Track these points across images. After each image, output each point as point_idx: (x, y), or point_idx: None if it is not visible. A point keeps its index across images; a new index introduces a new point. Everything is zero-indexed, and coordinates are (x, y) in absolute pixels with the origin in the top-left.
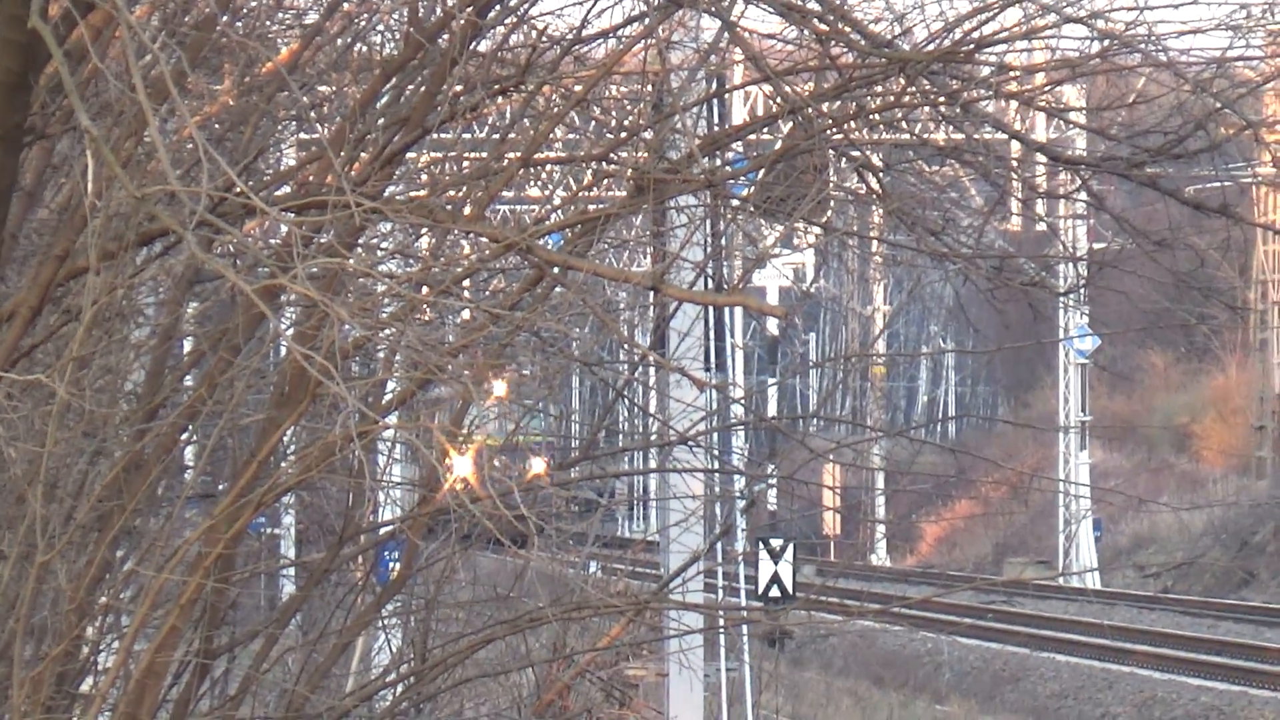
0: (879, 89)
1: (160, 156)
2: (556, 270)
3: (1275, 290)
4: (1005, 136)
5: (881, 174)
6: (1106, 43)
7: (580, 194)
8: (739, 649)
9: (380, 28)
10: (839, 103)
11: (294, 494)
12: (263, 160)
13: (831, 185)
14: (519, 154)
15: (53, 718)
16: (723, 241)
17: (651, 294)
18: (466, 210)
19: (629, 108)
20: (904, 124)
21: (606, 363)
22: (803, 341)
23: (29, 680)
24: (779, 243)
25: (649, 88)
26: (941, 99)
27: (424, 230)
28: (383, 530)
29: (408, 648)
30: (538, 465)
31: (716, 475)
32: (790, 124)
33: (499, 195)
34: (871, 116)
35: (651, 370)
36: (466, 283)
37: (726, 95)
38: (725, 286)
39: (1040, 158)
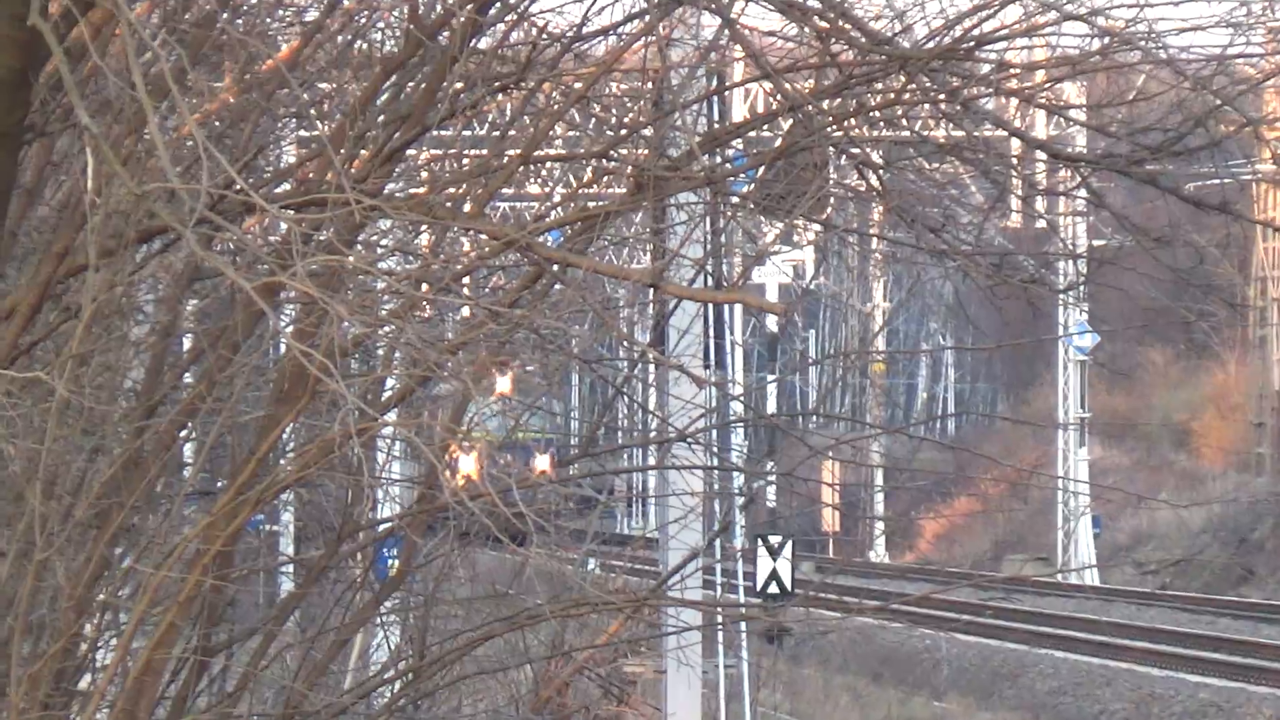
0: (879, 86)
1: (160, 154)
2: (556, 267)
3: (1275, 287)
4: (1005, 134)
5: (881, 171)
6: (1107, 40)
7: (580, 191)
8: (737, 646)
9: (380, 25)
10: (839, 100)
11: (293, 491)
12: (262, 158)
13: (831, 182)
14: (519, 151)
15: (51, 715)
16: (722, 239)
17: (651, 291)
18: (466, 207)
19: (629, 105)
20: (904, 121)
21: (606, 360)
22: (802, 339)
23: (27, 677)
24: (779, 240)
25: (649, 85)
26: (942, 96)
27: (424, 228)
28: (381, 527)
29: (406, 645)
30: (543, 462)
31: (715, 472)
32: (790, 121)
33: (499, 192)
34: (871, 114)
35: (651, 367)
36: (466, 280)
37: (726, 93)
38: (725, 284)
39: (1040, 155)
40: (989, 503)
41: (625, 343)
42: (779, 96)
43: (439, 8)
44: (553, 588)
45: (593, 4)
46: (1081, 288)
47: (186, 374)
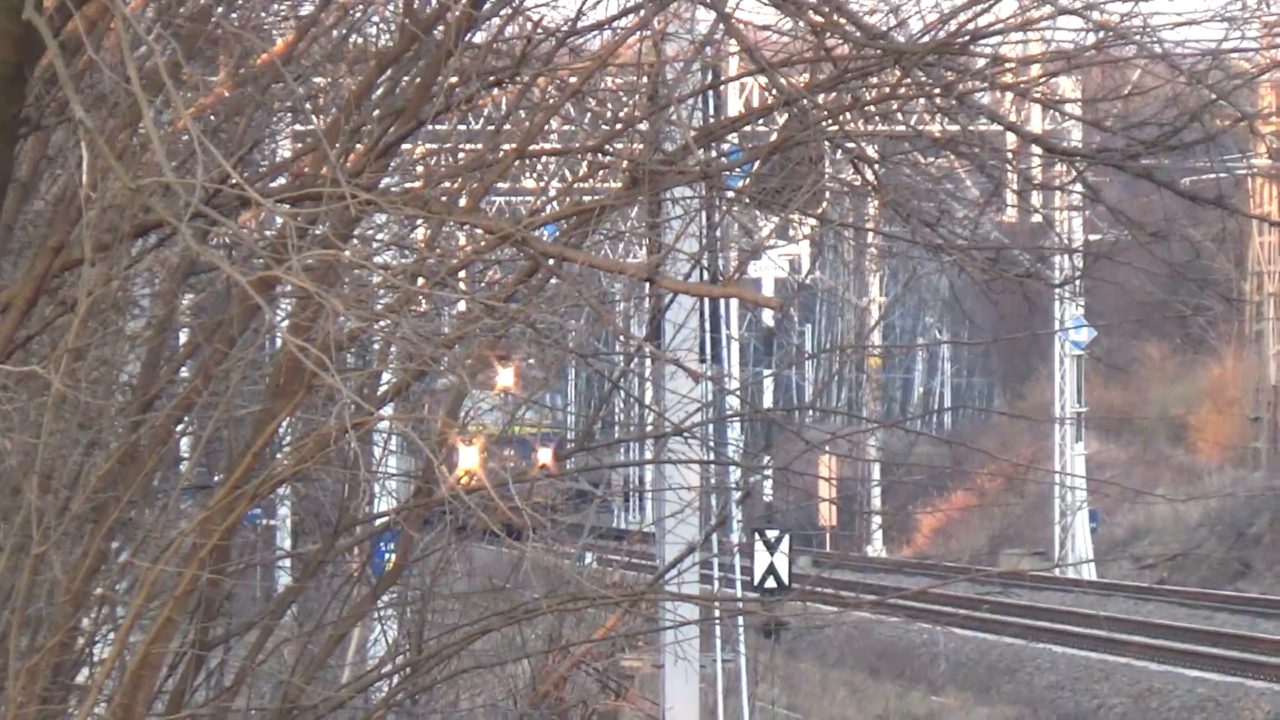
0: (874, 80)
1: (155, 148)
2: (552, 262)
3: (1271, 282)
4: (1000, 128)
5: (877, 165)
6: (1102, 34)
7: (575, 185)
8: (735, 640)
9: (375, 19)
10: (834, 94)
11: (289, 485)
12: (258, 152)
13: (827, 177)
14: (514, 145)
15: (49, 709)
16: (718, 233)
17: (647, 285)
18: (462, 202)
19: (624, 99)
20: (899, 115)
21: (602, 354)
22: (798, 333)
23: (25, 671)
24: (774, 234)
25: (644, 79)
26: (937, 90)
27: (419, 222)
28: (378, 522)
29: (403, 639)
30: (544, 456)
31: (712, 467)
32: (785, 116)
33: (494, 187)
34: (867, 108)
35: (647, 362)
36: (462, 274)
37: (722, 87)
38: (720, 278)
39: (1036, 149)
40: (986, 497)
41: (621, 337)
42: (774, 91)
43: (434, 2)
44: (550, 582)
45: None
46: (1077, 282)
47: (182, 368)
